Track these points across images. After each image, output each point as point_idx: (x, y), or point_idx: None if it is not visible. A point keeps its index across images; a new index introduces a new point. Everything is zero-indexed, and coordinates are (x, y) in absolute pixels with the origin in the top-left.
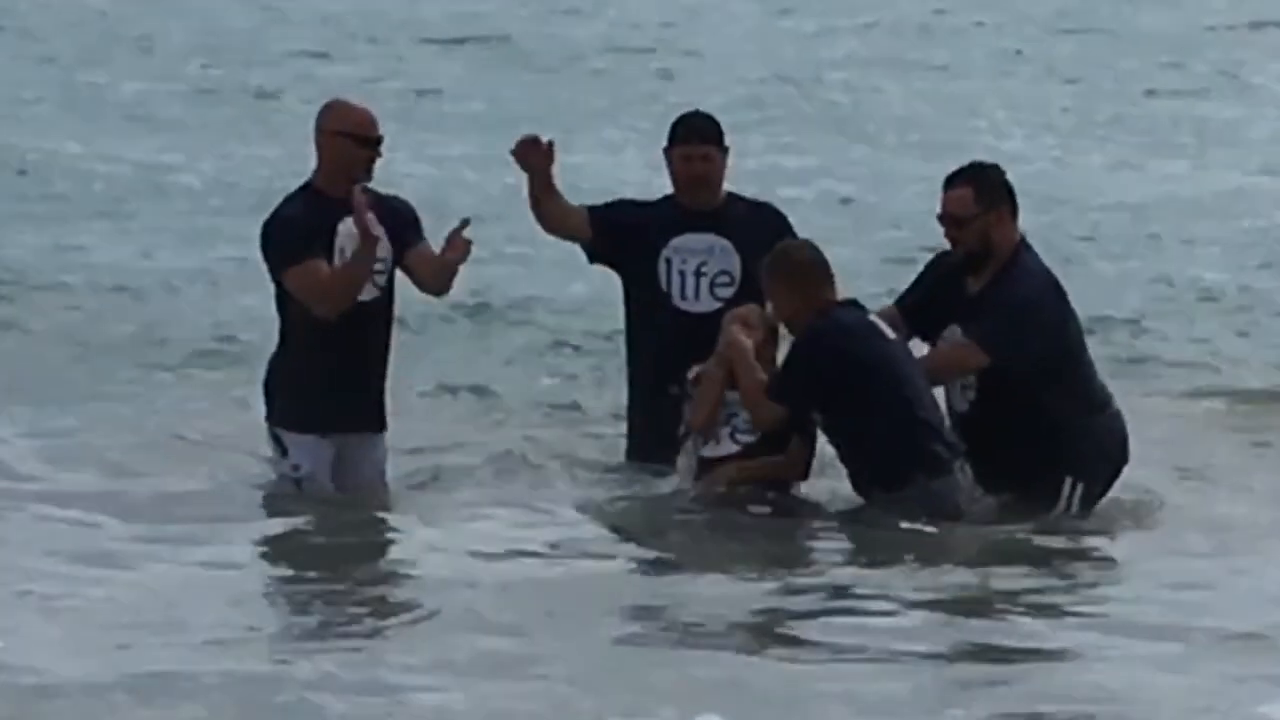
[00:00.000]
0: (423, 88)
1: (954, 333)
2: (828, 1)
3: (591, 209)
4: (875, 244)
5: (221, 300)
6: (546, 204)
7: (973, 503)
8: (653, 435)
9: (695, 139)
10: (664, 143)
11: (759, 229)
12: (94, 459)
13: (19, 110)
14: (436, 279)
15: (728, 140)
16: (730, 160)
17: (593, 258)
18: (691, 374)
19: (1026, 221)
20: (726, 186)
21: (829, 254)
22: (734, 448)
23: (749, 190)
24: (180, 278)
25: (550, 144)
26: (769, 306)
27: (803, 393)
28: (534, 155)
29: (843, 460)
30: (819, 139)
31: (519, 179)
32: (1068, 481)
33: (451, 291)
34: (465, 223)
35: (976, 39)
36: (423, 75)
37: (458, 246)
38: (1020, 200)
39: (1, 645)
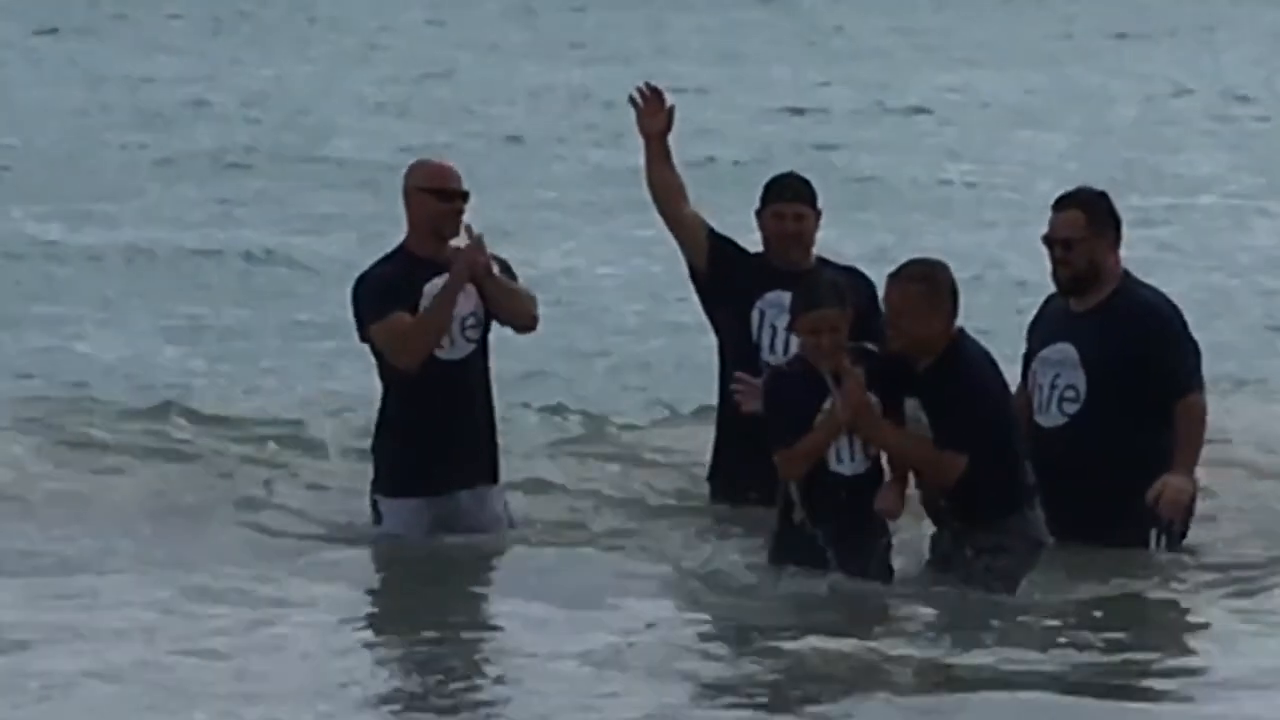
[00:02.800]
0: None
1: (1064, 351)
2: None
3: (712, 231)
4: None
5: None
6: (664, 176)
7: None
8: (735, 477)
9: (789, 196)
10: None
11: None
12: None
13: None
14: (506, 311)
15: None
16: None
17: (694, 278)
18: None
19: None
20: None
21: None
22: (868, 463)
23: None
24: None
25: (673, 108)
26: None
27: (984, 430)
28: (655, 115)
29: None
30: None
31: None
32: (1153, 534)
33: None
34: (468, 228)
35: None
36: None
37: (472, 249)
38: None
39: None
